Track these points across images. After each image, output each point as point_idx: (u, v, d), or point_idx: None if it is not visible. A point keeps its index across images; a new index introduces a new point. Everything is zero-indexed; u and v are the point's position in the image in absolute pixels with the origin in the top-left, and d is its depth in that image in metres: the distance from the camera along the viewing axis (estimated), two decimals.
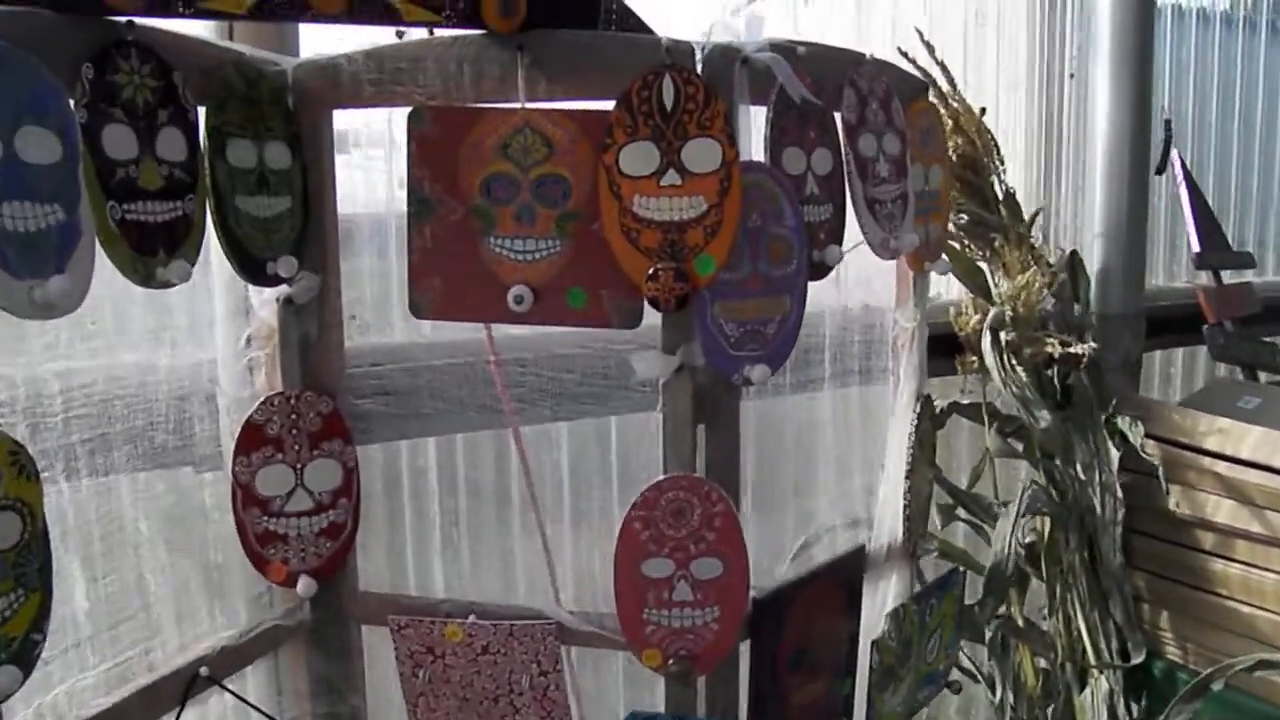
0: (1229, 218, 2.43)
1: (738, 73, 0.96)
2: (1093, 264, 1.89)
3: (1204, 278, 2.18)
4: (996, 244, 1.71)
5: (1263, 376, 2.07)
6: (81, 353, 1.00)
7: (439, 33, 0.96)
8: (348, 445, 1.08)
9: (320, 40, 1.08)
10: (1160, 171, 2.01)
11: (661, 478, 0.98)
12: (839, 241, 1.08)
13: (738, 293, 0.96)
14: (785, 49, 1.00)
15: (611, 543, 1.00)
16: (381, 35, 0.99)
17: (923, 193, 1.21)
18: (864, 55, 1.12)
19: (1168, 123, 2.03)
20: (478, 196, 0.96)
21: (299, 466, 1.05)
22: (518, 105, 0.94)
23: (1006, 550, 1.53)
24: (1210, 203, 2.18)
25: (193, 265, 0.89)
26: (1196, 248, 2.10)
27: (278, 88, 0.99)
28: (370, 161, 1.28)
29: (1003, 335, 1.69)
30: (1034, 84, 2.01)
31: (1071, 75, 2.02)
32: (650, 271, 0.92)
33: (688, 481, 0.98)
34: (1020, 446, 1.81)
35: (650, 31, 1.00)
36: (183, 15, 0.84)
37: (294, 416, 1.04)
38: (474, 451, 1.40)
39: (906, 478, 1.26)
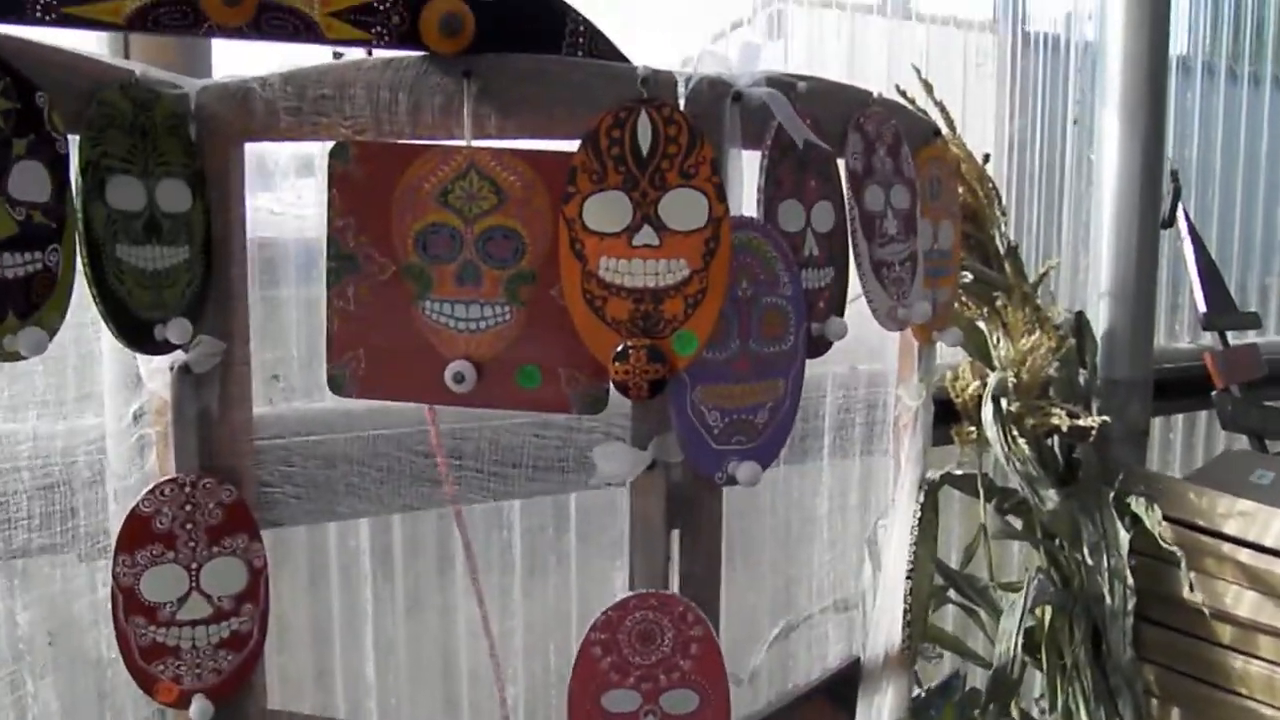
0: (1231, 269, 2.31)
1: (728, 110, 0.80)
2: (1098, 325, 1.74)
3: (1208, 338, 2.05)
4: (998, 303, 1.56)
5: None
6: None
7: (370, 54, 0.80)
8: (254, 541, 0.90)
9: (241, 59, 0.91)
10: (1168, 225, 1.87)
11: (627, 595, 0.82)
12: (840, 312, 0.92)
13: (723, 375, 0.80)
14: (783, 84, 0.84)
15: (567, 634, 0.83)
16: (315, 54, 0.83)
17: (931, 252, 1.06)
18: (870, 94, 0.97)
19: (1174, 173, 1.90)
20: (411, 252, 0.79)
21: (194, 567, 0.88)
22: (462, 143, 0.78)
23: (1012, 650, 1.37)
24: (1212, 253, 2.06)
25: (53, 332, 0.72)
26: (1203, 308, 1.97)
27: (176, 114, 0.83)
28: (301, 202, 1.11)
29: (1003, 403, 1.54)
30: (1034, 130, 1.87)
31: (1075, 121, 1.88)
32: (619, 349, 0.76)
33: (658, 600, 0.82)
34: (1019, 524, 1.65)
35: (623, 58, 0.84)
36: (42, 22, 0.67)
37: (189, 508, 0.87)
38: (415, 528, 1.23)
39: (908, 577, 1.10)
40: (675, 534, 0.83)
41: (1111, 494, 1.58)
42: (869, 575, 1.53)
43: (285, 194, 1.16)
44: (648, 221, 0.76)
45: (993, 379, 1.52)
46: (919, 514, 1.10)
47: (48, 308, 0.72)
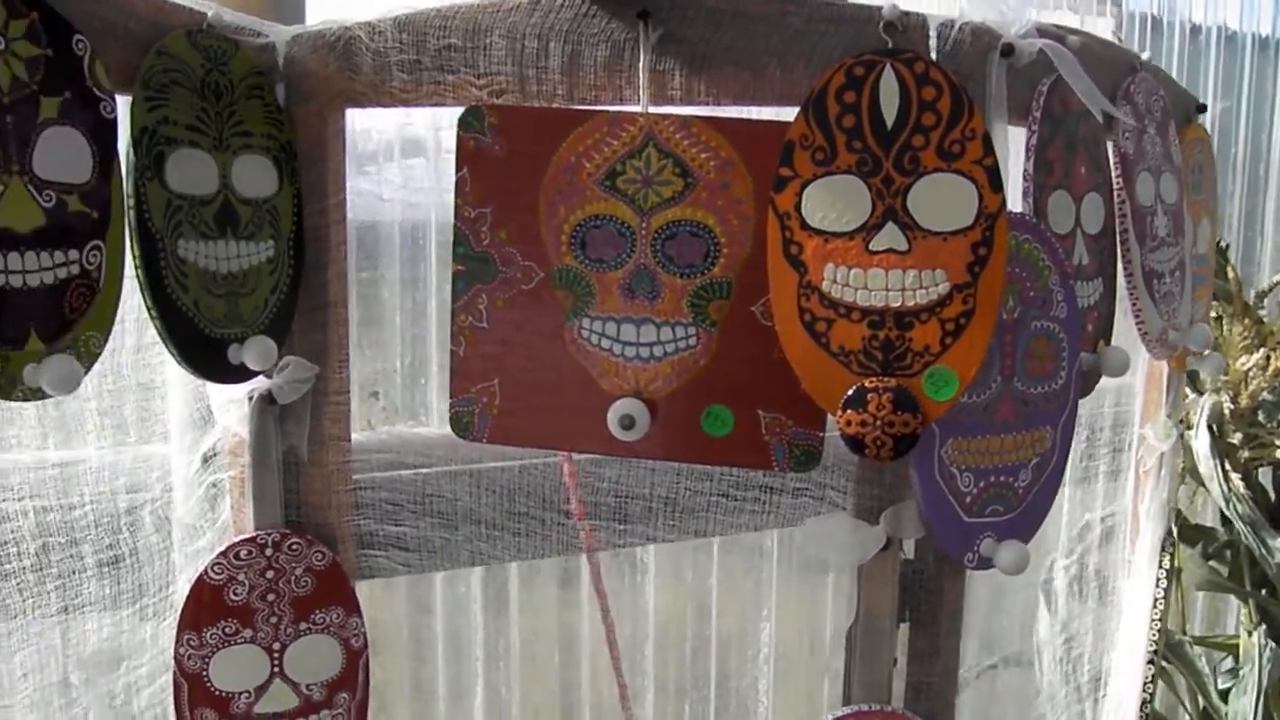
0: None
1: (995, 69, 0.59)
2: None
3: None
4: (1212, 315, 1.32)
5: None
6: None
7: None
8: (351, 615, 0.71)
9: (343, 3, 0.73)
10: None
11: (843, 712, 0.61)
12: (1109, 337, 0.70)
13: (981, 425, 0.59)
14: (1054, 37, 0.63)
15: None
16: None
17: (1190, 258, 0.84)
18: (1139, 56, 0.75)
19: None
20: (566, 253, 0.60)
21: (277, 648, 0.70)
22: (637, 109, 0.58)
23: None
24: None
25: (89, 363, 0.54)
26: None
27: (259, 71, 0.64)
28: (410, 188, 0.92)
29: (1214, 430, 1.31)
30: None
31: None
32: (852, 392, 0.55)
33: (884, 719, 0.61)
34: (1225, 572, 1.42)
35: None
36: None
37: (271, 574, 0.68)
38: (533, 576, 1.04)
39: (1149, 661, 0.88)
40: (904, 628, 0.63)
41: None
42: (1045, 625, 1.32)
43: (387, 175, 0.97)
44: (892, 218, 0.55)
45: (1205, 403, 1.29)
46: (1164, 582, 0.89)
47: (85, 326, 0.54)
